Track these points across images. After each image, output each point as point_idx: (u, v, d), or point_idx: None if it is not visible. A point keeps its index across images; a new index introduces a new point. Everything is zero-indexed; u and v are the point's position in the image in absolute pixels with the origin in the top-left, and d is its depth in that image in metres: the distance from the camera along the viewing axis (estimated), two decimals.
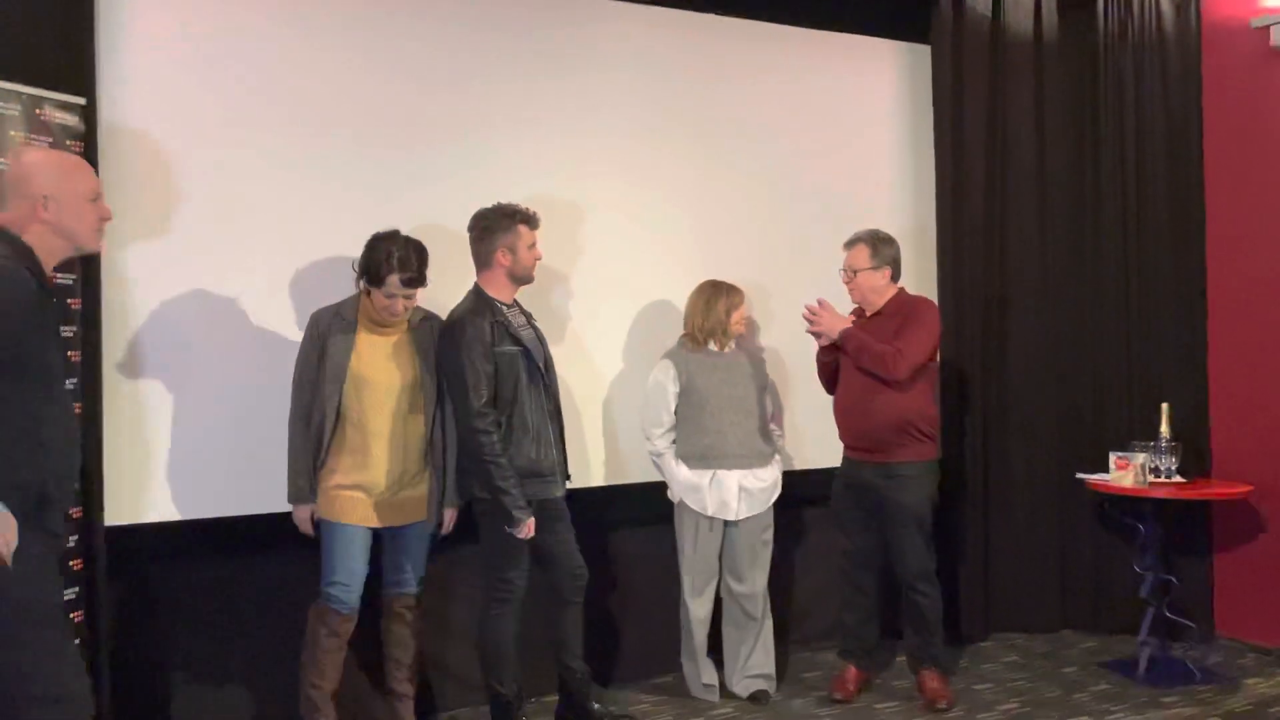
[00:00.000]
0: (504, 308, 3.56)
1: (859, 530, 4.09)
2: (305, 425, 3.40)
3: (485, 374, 3.42)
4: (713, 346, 4.07)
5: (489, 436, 3.41)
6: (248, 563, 3.62)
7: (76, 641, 2.65)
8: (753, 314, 4.23)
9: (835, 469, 4.15)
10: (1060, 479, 4.83)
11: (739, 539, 4.03)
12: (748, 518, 4.01)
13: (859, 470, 4.00)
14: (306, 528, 3.45)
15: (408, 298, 3.40)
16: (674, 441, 4.06)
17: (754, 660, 4.11)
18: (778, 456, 4.14)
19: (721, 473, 3.98)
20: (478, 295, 3.55)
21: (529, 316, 3.69)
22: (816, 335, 3.99)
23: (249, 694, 3.67)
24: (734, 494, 3.98)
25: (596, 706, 3.80)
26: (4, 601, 2.33)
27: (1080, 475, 4.58)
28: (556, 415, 3.68)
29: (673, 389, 4.03)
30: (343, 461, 3.40)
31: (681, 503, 4.03)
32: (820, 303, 3.97)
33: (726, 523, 4.02)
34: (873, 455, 3.95)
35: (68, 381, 3.17)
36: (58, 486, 2.45)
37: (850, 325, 3.94)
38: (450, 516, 3.59)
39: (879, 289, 4.02)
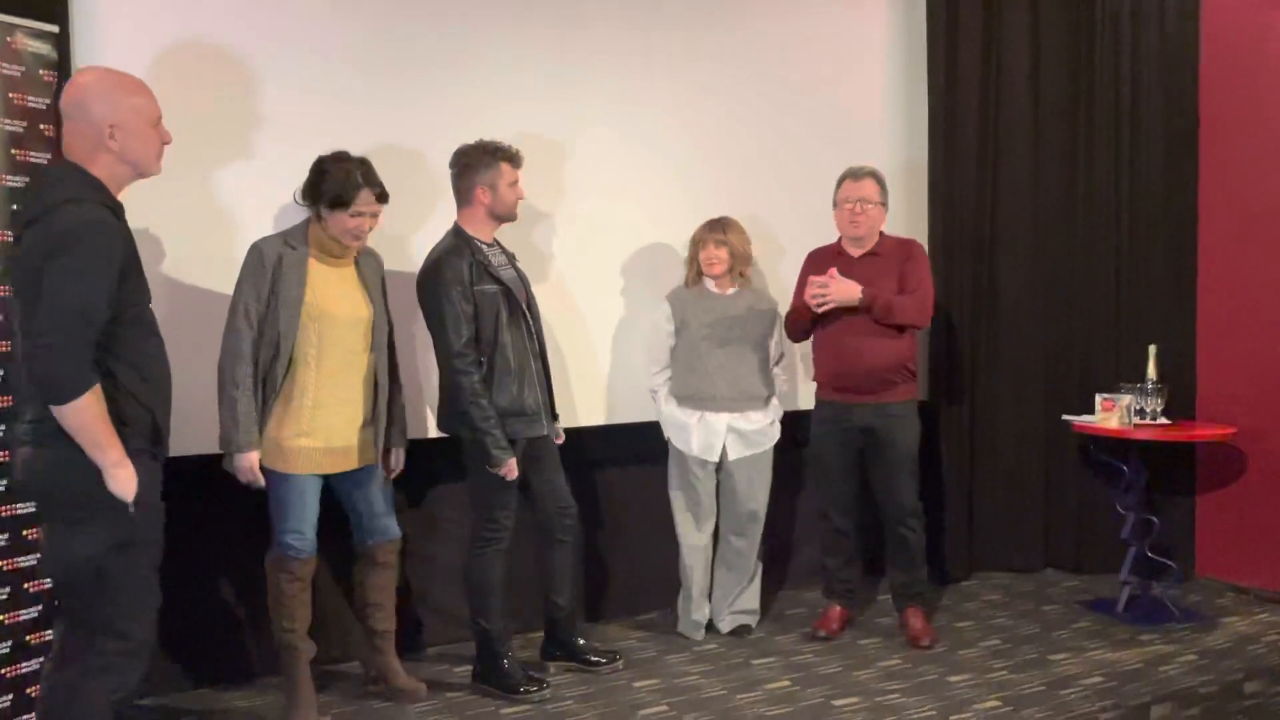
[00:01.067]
0: (484, 246, 3.51)
1: (842, 475, 4.09)
2: (250, 364, 3.14)
3: (465, 314, 3.39)
4: (711, 286, 4.02)
5: (469, 377, 3.39)
6: (224, 502, 3.57)
7: None
8: (755, 256, 4.15)
9: (805, 411, 4.16)
10: (1046, 420, 4.85)
11: (733, 482, 4.03)
12: (740, 459, 4.01)
13: (849, 412, 3.98)
14: (256, 475, 3.17)
15: (375, 215, 3.27)
16: (669, 380, 4.05)
17: (741, 599, 4.15)
18: (775, 401, 4.11)
19: (710, 415, 3.97)
20: (456, 234, 3.51)
21: (511, 256, 3.65)
22: (820, 305, 3.88)
23: (229, 636, 3.70)
24: (720, 435, 3.97)
25: (582, 642, 3.84)
26: (116, 531, 2.41)
27: (1066, 417, 4.59)
28: (541, 355, 3.65)
29: (667, 328, 4.02)
30: (293, 405, 3.21)
31: (670, 442, 4.03)
32: (831, 273, 3.90)
33: (720, 465, 4.01)
34: (868, 396, 3.94)
35: None
36: (164, 418, 2.54)
37: (861, 287, 3.85)
38: (398, 458, 3.50)
39: (878, 226, 3.99)
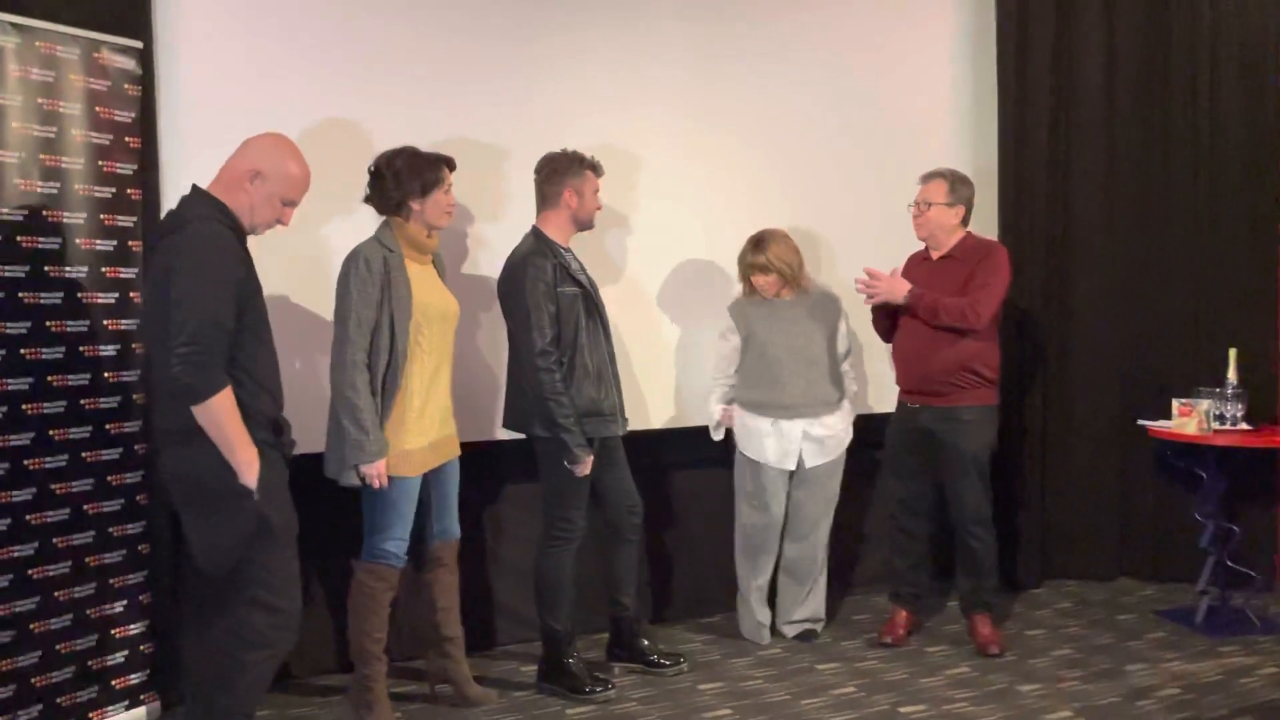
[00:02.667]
0: (563, 250, 3.58)
1: (912, 476, 4.07)
2: (366, 372, 3.16)
3: (549, 313, 3.45)
4: (770, 296, 4.02)
5: (551, 375, 3.44)
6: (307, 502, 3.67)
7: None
8: (808, 266, 4.11)
9: (879, 414, 4.13)
10: (1122, 425, 4.74)
11: (805, 487, 4.02)
12: (816, 466, 3.99)
13: (917, 415, 3.96)
14: (385, 479, 3.20)
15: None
16: (731, 387, 4.05)
17: (806, 606, 4.14)
18: (847, 404, 4.08)
19: (784, 422, 3.96)
20: (537, 236, 3.57)
21: (581, 263, 3.70)
22: (869, 299, 3.91)
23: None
24: (796, 443, 3.96)
25: (647, 644, 3.86)
26: (252, 520, 2.65)
27: (1142, 421, 4.49)
28: (613, 357, 3.70)
29: (732, 340, 4.03)
30: (408, 408, 3.25)
31: (740, 452, 4.01)
32: (870, 272, 3.88)
33: (793, 472, 4.00)
34: (933, 399, 3.91)
35: (129, 323, 3.29)
36: (273, 415, 2.76)
37: (910, 287, 3.84)
38: None
39: (948, 228, 3.95)
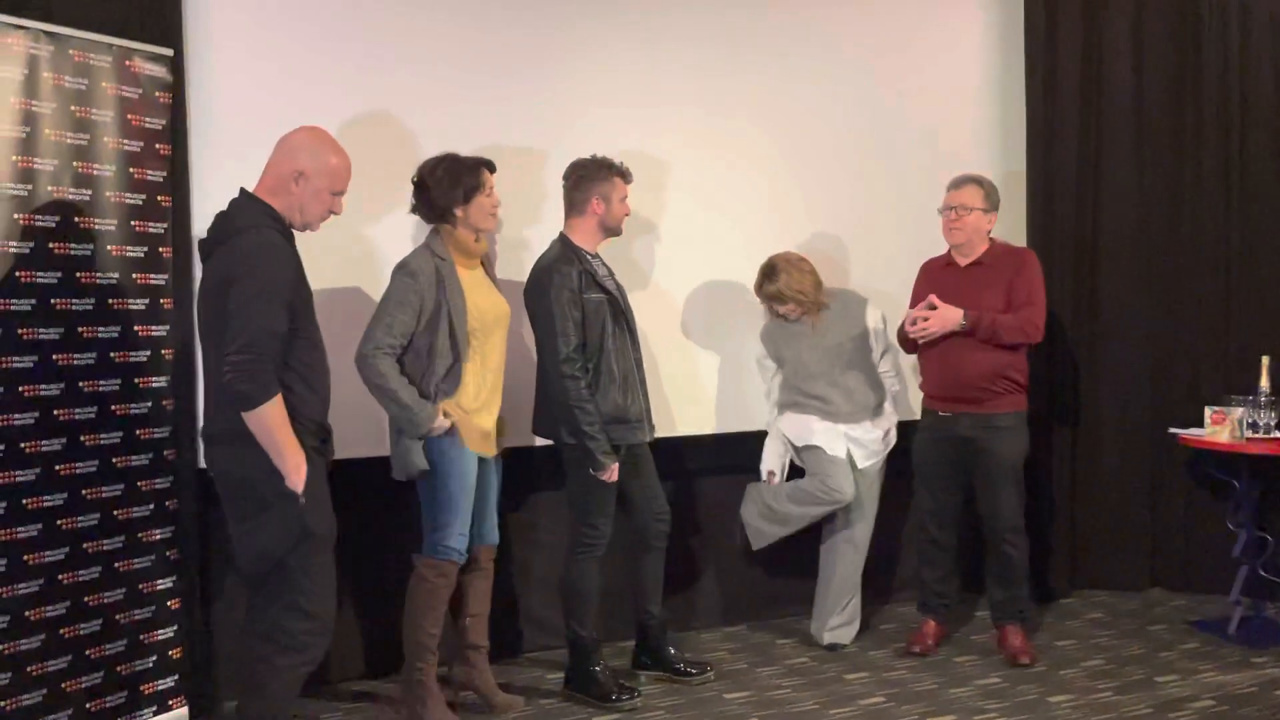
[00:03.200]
0: (589, 256, 3.57)
1: (943, 486, 4.04)
2: (396, 363, 3.26)
3: (573, 320, 3.45)
4: (790, 315, 4.01)
5: (576, 382, 3.44)
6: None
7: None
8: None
9: (902, 422, 4.10)
10: (1152, 433, 4.69)
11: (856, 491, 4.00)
12: (864, 468, 3.99)
13: (952, 424, 3.93)
14: (445, 423, 3.27)
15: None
16: (779, 405, 4.09)
17: (844, 613, 4.11)
18: (889, 406, 4.08)
19: (829, 423, 3.98)
20: (564, 243, 3.57)
21: (609, 269, 3.70)
22: (921, 337, 3.89)
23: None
24: (843, 439, 3.97)
25: (673, 652, 3.84)
26: (295, 524, 2.72)
27: (1173, 430, 4.44)
28: (640, 363, 3.69)
29: (767, 365, 4.11)
30: (469, 408, 3.34)
31: (796, 448, 4.03)
32: (931, 300, 3.86)
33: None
34: (970, 406, 3.88)
35: (160, 329, 3.30)
36: (320, 421, 2.83)
37: (962, 313, 3.80)
38: None
39: (984, 233, 3.93)
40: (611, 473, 3.49)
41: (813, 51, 4.36)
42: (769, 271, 3.97)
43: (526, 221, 3.84)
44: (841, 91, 4.40)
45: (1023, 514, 3.96)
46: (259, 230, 2.71)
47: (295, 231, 2.85)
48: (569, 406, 3.44)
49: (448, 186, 3.32)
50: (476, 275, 3.43)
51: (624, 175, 3.60)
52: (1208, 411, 4.22)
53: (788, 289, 3.93)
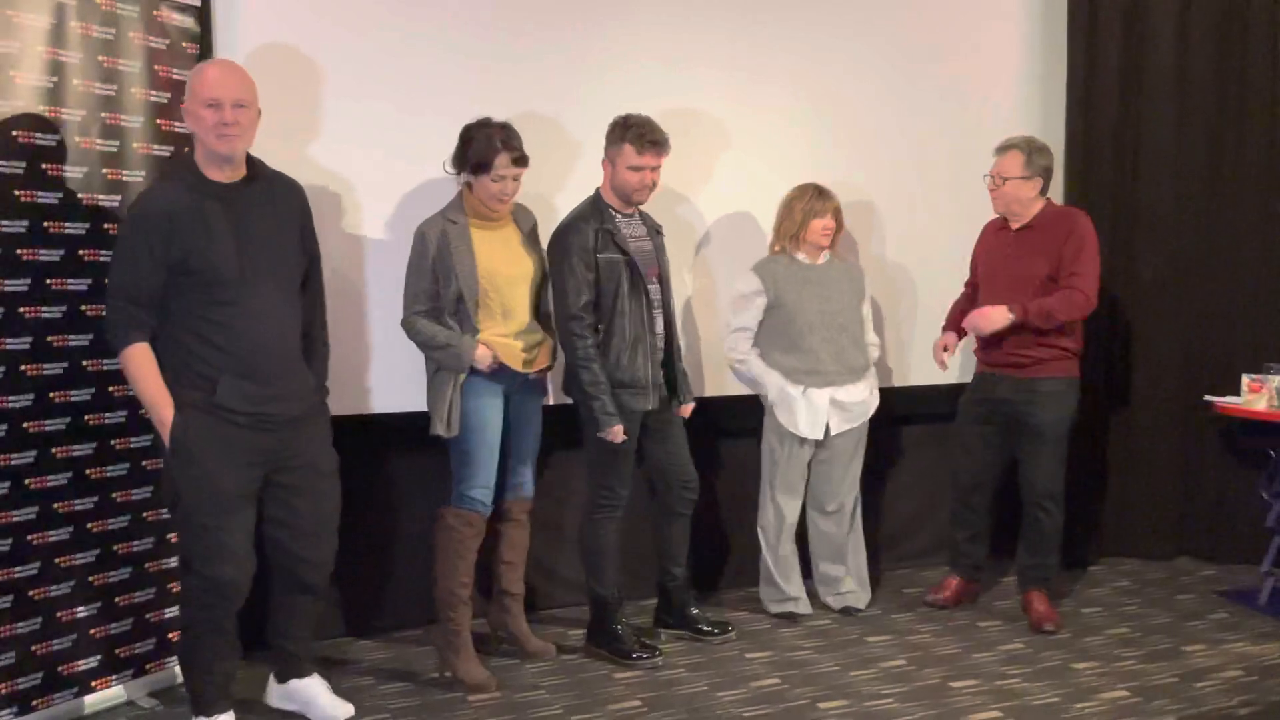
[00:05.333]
0: (616, 215, 3.53)
1: (981, 447, 4.02)
2: (428, 318, 3.33)
3: (584, 279, 3.42)
4: (802, 257, 3.91)
5: (583, 340, 3.43)
6: (368, 461, 3.71)
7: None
8: (847, 227, 4.02)
9: (935, 386, 4.06)
10: (1185, 401, 4.61)
11: (830, 456, 3.96)
12: (840, 434, 3.93)
13: (995, 385, 3.90)
14: (487, 354, 3.32)
15: (516, 179, 3.35)
16: (759, 353, 3.95)
17: (846, 582, 4.08)
18: (872, 370, 4.02)
19: (813, 390, 3.88)
20: (594, 200, 3.55)
21: (654, 229, 3.65)
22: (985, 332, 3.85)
23: (370, 593, 3.85)
24: (824, 412, 3.89)
25: (695, 611, 3.85)
26: (169, 481, 2.84)
27: (1208, 398, 4.37)
28: (668, 328, 3.65)
29: (758, 301, 3.89)
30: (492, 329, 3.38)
31: (771, 415, 3.95)
32: (982, 313, 3.82)
33: (820, 441, 3.94)
34: (1015, 370, 3.85)
35: None
36: (239, 378, 2.78)
37: (1007, 308, 3.76)
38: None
39: (1026, 200, 3.85)
40: (614, 434, 3.46)
41: (851, 18, 4.28)
42: (821, 189, 3.86)
43: (557, 182, 3.80)
44: (880, 60, 4.33)
45: (1061, 481, 3.92)
46: (150, 191, 2.85)
47: (219, 156, 2.78)
48: (575, 364, 3.44)
49: (463, 151, 3.34)
50: (497, 235, 3.41)
51: (636, 142, 3.43)
52: (1245, 380, 4.16)
53: (839, 209, 3.86)
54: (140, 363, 2.77)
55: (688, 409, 3.77)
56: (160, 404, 2.77)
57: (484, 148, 3.28)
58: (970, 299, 4.05)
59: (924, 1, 4.39)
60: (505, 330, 3.39)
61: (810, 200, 3.85)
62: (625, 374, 3.50)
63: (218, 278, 2.76)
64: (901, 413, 4.36)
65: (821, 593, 4.12)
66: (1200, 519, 4.72)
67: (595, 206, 3.52)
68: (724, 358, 3.99)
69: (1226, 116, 4.59)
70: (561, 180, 3.82)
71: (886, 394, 4.12)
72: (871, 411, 3.98)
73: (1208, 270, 4.63)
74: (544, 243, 3.58)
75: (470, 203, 3.38)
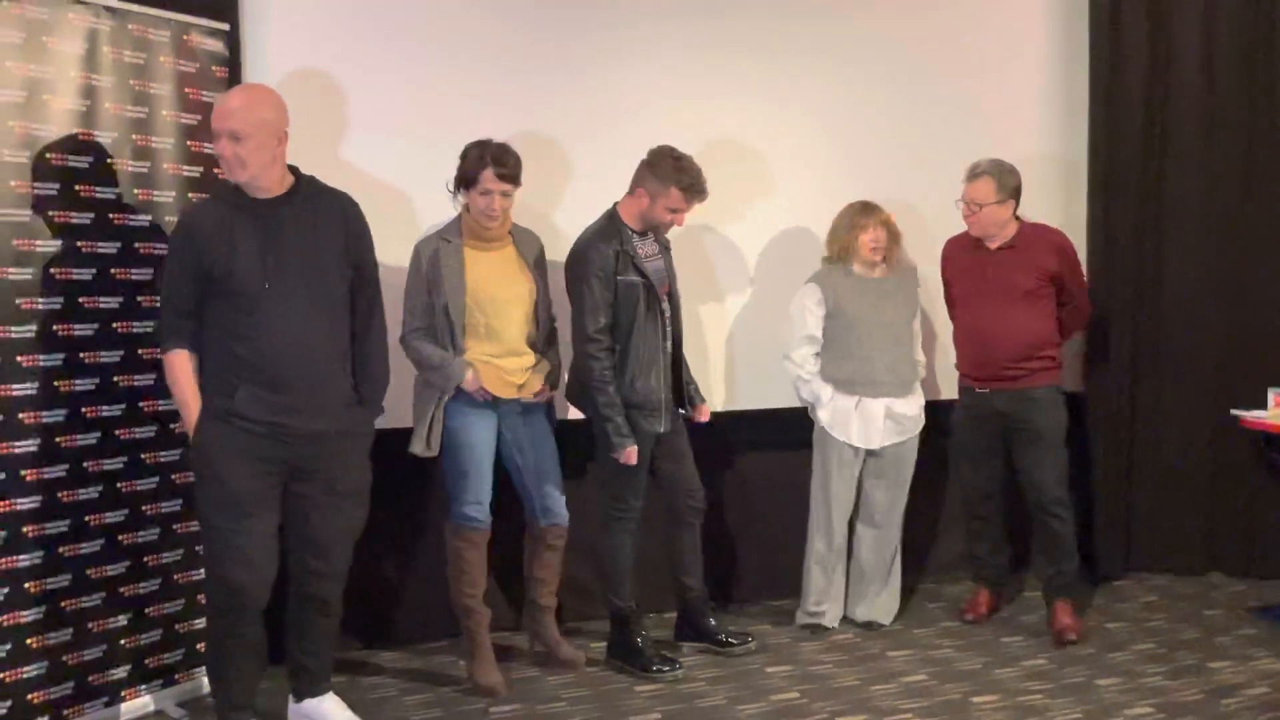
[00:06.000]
0: (634, 235, 3.56)
1: (985, 460, 4.03)
2: (426, 337, 3.40)
3: (604, 300, 3.45)
4: (857, 269, 3.93)
5: (600, 362, 3.45)
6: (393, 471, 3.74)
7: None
8: (903, 238, 4.02)
9: (951, 400, 4.06)
10: (1214, 415, 4.55)
11: (881, 468, 3.97)
12: (891, 445, 3.94)
13: (988, 400, 3.93)
14: (486, 392, 3.39)
15: (504, 195, 3.37)
16: (820, 364, 3.97)
17: (880, 601, 4.08)
18: (919, 386, 4.03)
19: (867, 400, 3.90)
20: (610, 219, 3.56)
21: (664, 245, 3.68)
22: None
23: (395, 603, 3.90)
24: (878, 422, 3.91)
25: (714, 623, 3.86)
26: (198, 483, 2.94)
27: (1235, 411, 4.32)
28: (676, 347, 3.68)
29: (818, 311, 3.92)
30: (478, 349, 3.42)
31: (824, 430, 3.95)
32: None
33: (869, 452, 3.96)
34: (1005, 384, 3.88)
35: None
36: (259, 387, 2.83)
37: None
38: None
39: (1003, 222, 3.89)
40: (630, 455, 3.48)
41: (868, 27, 4.29)
42: (865, 204, 3.89)
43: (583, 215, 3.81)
44: (899, 76, 4.32)
45: (1066, 485, 3.94)
46: (192, 205, 3.09)
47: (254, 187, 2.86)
48: (590, 386, 3.46)
49: (459, 169, 3.40)
50: (493, 256, 3.45)
51: (686, 190, 3.49)
52: (1271, 394, 4.12)
53: (886, 221, 3.88)
54: (175, 369, 2.88)
55: (706, 410, 3.80)
56: (188, 409, 2.87)
57: (472, 163, 3.36)
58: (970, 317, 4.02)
59: (945, 20, 4.39)
60: (491, 351, 3.42)
61: (854, 216, 3.89)
62: (639, 396, 3.52)
63: (240, 289, 2.81)
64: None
65: (850, 604, 4.11)
66: (1231, 534, 4.66)
67: (613, 226, 3.54)
68: (785, 370, 3.99)
69: (1256, 128, 4.54)
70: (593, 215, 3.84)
71: None
72: (920, 426, 3.99)
73: (1237, 283, 4.58)
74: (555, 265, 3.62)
75: (467, 222, 3.43)
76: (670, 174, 3.48)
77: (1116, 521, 4.62)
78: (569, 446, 3.81)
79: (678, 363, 3.71)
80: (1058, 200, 4.36)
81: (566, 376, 3.67)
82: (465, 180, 3.38)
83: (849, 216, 3.91)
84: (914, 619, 4.17)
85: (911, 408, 3.96)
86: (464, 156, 3.40)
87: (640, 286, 3.50)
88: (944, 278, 4.13)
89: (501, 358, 3.43)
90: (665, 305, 3.60)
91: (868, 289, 3.92)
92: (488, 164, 3.33)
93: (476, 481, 3.45)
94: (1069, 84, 4.55)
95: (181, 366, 2.87)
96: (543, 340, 3.56)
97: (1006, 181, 3.84)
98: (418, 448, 3.43)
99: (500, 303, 3.43)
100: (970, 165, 3.90)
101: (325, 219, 2.93)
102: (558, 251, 3.68)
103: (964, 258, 4.00)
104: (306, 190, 2.94)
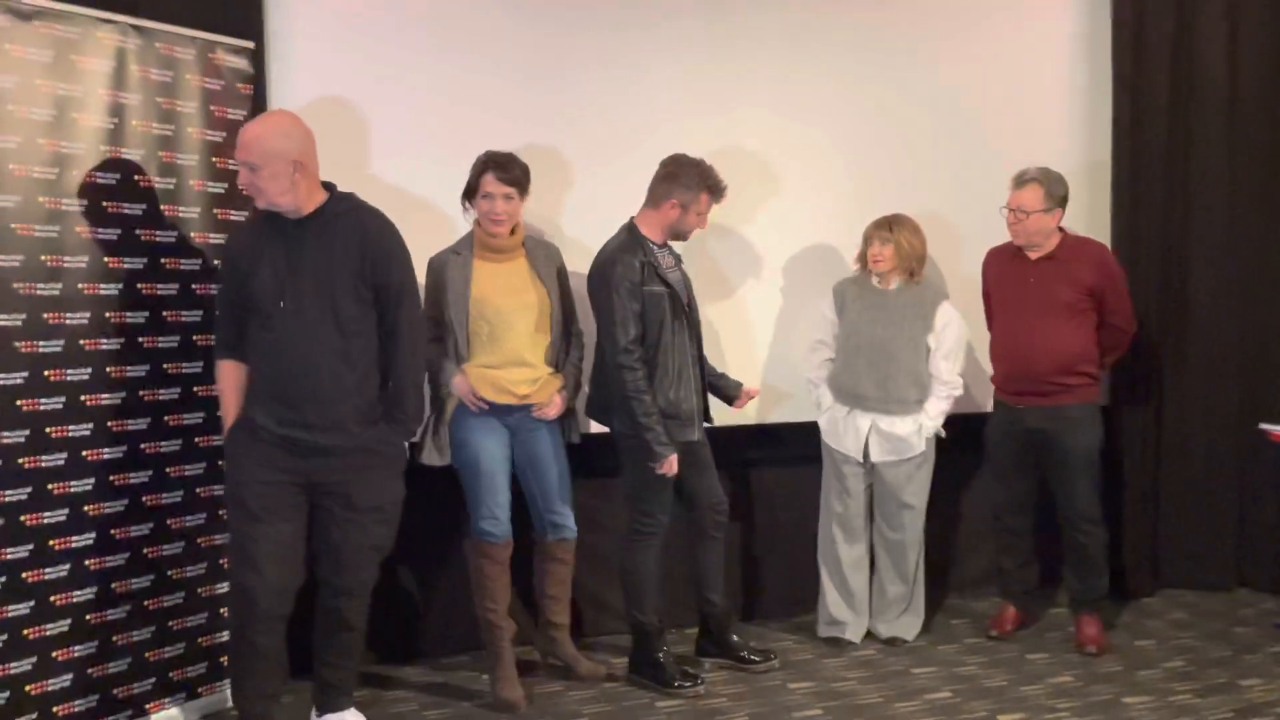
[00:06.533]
0: (654, 247, 3.57)
1: (1016, 475, 4.00)
2: (439, 346, 3.45)
3: (633, 312, 3.45)
4: (875, 281, 3.93)
5: (634, 373, 3.45)
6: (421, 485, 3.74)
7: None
8: (931, 255, 4.01)
9: (951, 416, 4.00)
10: (1241, 429, 4.51)
11: (882, 486, 3.95)
12: (885, 463, 3.90)
13: (1022, 416, 3.88)
14: (476, 399, 3.41)
15: (505, 198, 3.39)
16: (829, 368, 3.98)
17: (901, 622, 4.04)
18: (931, 405, 3.90)
19: (857, 412, 3.89)
20: (630, 232, 3.57)
21: (678, 259, 3.70)
22: None
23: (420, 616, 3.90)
24: (863, 436, 3.88)
25: (737, 639, 3.84)
26: (225, 486, 3.07)
27: (1264, 426, 4.27)
28: (699, 358, 3.68)
29: (830, 316, 3.96)
30: (480, 358, 3.45)
31: (823, 440, 3.97)
32: None
33: (871, 467, 3.93)
34: (1040, 399, 3.83)
35: None
36: (276, 402, 2.93)
37: None
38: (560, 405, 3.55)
39: (1048, 231, 3.85)
40: (669, 465, 3.48)
41: (891, 37, 4.27)
42: (890, 219, 3.88)
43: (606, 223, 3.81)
44: (920, 77, 4.30)
45: (1099, 503, 3.90)
46: (239, 225, 3.24)
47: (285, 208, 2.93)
48: (626, 397, 3.45)
49: (469, 180, 3.45)
50: (501, 267, 3.47)
51: (713, 190, 3.56)
52: None
53: (901, 238, 3.84)
54: (219, 378, 3.06)
55: (753, 389, 3.84)
56: (225, 416, 3.03)
57: (475, 171, 3.42)
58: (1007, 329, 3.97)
59: (966, 29, 4.37)
60: (492, 361, 3.43)
61: (871, 228, 3.91)
62: (672, 406, 3.52)
63: (259, 306, 2.92)
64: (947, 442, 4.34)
65: (873, 620, 4.08)
66: (1260, 549, 4.61)
67: (634, 239, 3.55)
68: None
69: None
70: (584, 215, 3.88)
71: None
72: (915, 451, 3.89)
73: (1265, 294, 4.55)
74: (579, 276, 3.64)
75: (477, 235, 3.47)
76: (697, 180, 3.53)
77: (1144, 538, 4.58)
78: (592, 460, 3.82)
79: (703, 371, 3.71)
80: (1080, 211, 4.31)
81: (588, 390, 3.68)
82: (470, 189, 3.44)
83: (868, 228, 3.92)
84: (939, 635, 4.14)
85: (902, 428, 3.88)
86: (472, 167, 3.45)
87: (666, 296, 3.52)
88: (984, 288, 4.08)
89: (502, 367, 3.43)
90: (689, 315, 3.61)
91: (876, 302, 3.90)
92: (488, 169, 3.39)
93: (489, 496, 3.47)
94: (1091, 93, 4.53)
95: (223, 376, 3.04)
96: (559, 354, 3.56)
97: (1055, 190, 3.80)
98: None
99: (504, 312, 3.44)
100: (1018, 171, 3.86)
101: (344, 239, 2.95)
102: (585, 263, 3.69)
103: (1004, 268, 3.96)
104: (334, 210, 2.97)
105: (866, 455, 3.90)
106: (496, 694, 3.50)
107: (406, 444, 3.18)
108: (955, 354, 3.92)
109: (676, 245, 3.72)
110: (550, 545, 3.63)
